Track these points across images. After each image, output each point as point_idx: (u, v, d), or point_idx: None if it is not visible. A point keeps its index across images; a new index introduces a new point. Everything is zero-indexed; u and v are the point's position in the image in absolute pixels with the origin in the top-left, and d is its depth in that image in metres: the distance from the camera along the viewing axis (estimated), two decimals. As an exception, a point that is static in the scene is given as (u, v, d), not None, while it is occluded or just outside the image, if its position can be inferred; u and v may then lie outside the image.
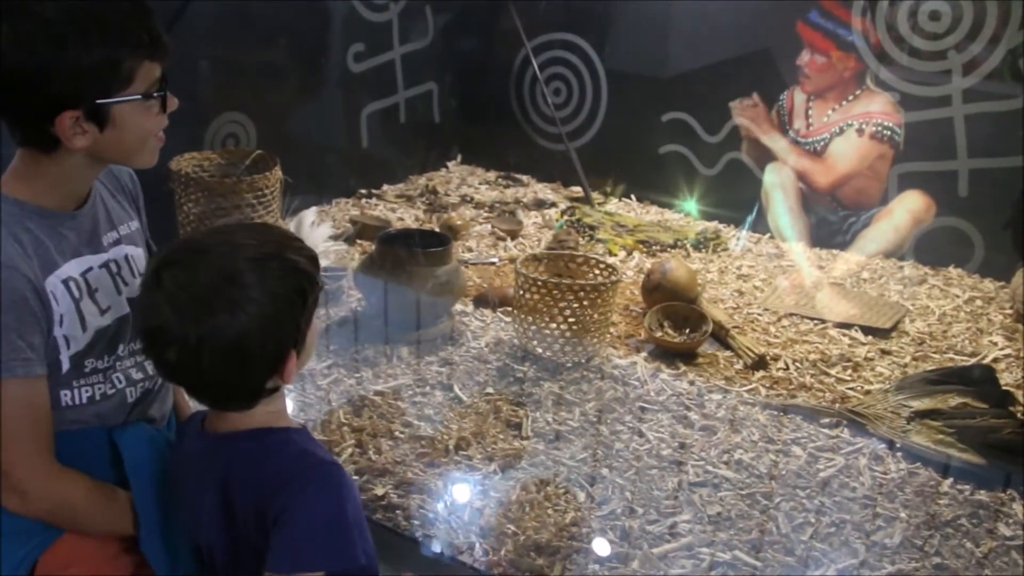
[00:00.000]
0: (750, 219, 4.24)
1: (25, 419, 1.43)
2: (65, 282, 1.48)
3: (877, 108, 3.94)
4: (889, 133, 3.93)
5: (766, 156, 4.24)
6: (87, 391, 1.54)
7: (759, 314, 3.46)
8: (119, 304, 1.59)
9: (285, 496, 1.34)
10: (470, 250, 3.98)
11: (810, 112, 4.09)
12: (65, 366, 1.50)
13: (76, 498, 1.51)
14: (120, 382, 1.59)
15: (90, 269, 1.54)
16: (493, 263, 3.87)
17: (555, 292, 2.93)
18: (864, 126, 3.98)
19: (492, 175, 5.01)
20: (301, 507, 1.34)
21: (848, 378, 3.01)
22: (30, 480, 1.45)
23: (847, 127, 4.02)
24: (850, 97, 3.99)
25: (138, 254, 1.66)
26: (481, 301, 3.42)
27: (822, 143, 4.09)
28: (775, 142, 4.19)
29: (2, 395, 1.40)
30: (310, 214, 3.89)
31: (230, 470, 1.42)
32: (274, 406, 1.45)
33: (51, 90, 1.38)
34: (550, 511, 2.31)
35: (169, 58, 1.49)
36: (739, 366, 3.06)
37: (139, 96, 1.45)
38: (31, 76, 1.37)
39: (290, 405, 2.19)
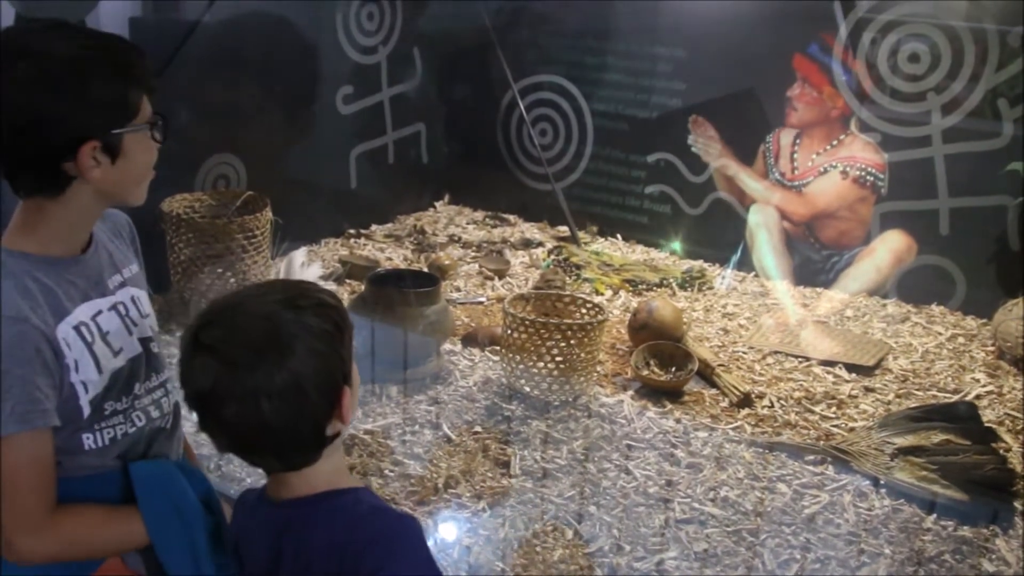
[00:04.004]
0: (735, 258, 4.29)
1: (31, 471, 1.43)
2: (77, 328, 1.49)
3: (860, 153, 4.00)
4: (872, 179, 4.00)
5: (742, 191, 4.31)
6: (109, 432, 1.55)
7: (744, 352, 3.49)
8: (131, 345, 1.60)
9: (377, 556, 1.33)
10: (458, 290, 4.01)
11: (795, 156, 4.15)
12: (86, 411, 1.50)
13: (77, 538, 1.50)
14: (140, 420, 1.61)
15: (99, 312, 1.55)
16: (481, 302, 3.90)
17: (542, 331, 2.96)
18: (848, 169, 4.04)
19: (480, 215, 5.05)
20: (395, 564, 1.33)
21: (832, 415, 3.04)
22: (28, 537, 1.44)
23: (831, 168, 4.08)
24: (834, 142, 4.06)
25: (143, 296, 1.68)
26: (469, 340, 3.44)
27: (806, 185, 4.15)
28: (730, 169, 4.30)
29: (13, 447, 1.40)
30: (300, 254, 3.90)
31: (303, 537, 1.38)
32: (335, 462, 1.43)
33: (74, 123, 1.43)
34: (538, 548, 2.32)
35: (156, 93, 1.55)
36: (725, 404, 3.09)
37: (146, 125, 1.51)
38: (55, 111, 1.41)
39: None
